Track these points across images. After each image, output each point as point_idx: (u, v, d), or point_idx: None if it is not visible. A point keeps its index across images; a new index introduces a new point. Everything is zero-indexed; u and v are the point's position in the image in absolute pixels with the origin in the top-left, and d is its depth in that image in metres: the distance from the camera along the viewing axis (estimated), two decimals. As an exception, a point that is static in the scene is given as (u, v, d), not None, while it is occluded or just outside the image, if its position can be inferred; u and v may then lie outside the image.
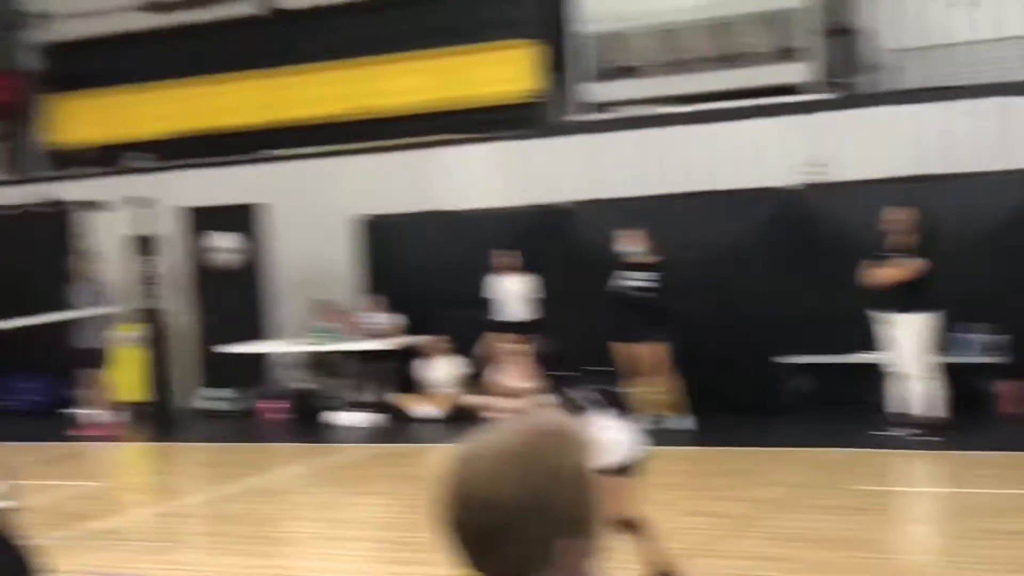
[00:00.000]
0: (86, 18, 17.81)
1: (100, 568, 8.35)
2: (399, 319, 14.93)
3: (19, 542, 4.75)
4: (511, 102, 15.49)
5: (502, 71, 15.61)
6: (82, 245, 16.29)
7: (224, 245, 16.22)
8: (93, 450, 14.12)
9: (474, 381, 14.14)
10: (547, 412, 2.49)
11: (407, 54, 16.05)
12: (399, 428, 13.93)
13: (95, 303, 14.73)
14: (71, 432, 14.62)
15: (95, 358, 14.77)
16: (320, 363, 15.30)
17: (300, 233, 15.89)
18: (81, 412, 14.92)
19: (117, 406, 14.82)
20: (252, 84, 16.94)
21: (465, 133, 15.32)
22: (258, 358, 15.51)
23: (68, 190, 16.20)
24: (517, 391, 13.71)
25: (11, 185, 17.43)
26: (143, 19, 17.48)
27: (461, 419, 13.25)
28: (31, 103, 18.32)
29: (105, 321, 14.85)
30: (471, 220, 14.83)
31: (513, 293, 13.98)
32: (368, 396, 14.82)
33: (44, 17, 18.13)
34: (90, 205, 14.91)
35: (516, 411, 13.19)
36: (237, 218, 16.12)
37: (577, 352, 9.31)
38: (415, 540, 8.74)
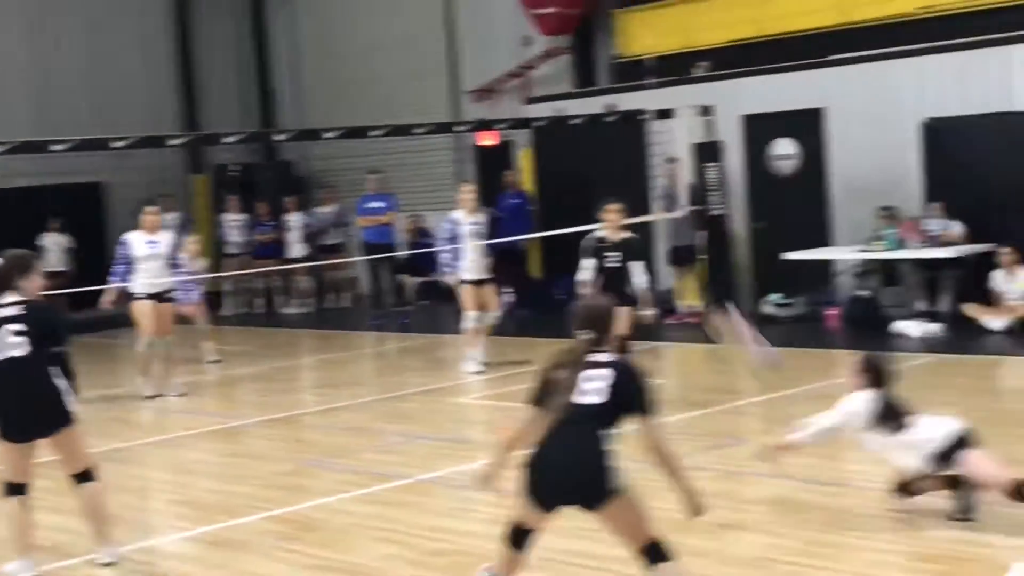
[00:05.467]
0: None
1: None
2: (963, 227, 14.31)
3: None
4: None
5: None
6: (654, 153, 16.94)
7: (786, 151, 16.21)
8: (660, 350, 14.73)
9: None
10: None
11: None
12: (965, 339, 13.39)
13: (671, 207, 15.54)
14: (670, 321, 15.97)
15: (685, 256, 16.02)
16: (883, 270, 14.97)
17: (861, 138, 15.56)
18: (678, 304, 16.43)
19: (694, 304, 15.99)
20: (814, -12, 16.70)
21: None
22: (821, 265, 15.41)
23: (634, 100, 16.77)
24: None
25: (580, 97, 18.32)
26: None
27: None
28: (599, 16, 19.11)
29: (686, 223, 15.58)
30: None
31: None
32: (932, 305, 14.37)
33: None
34: (659, 114, 15.41)
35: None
36: (798, 124, 16.02)
37: None
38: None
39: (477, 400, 12.18)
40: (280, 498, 8.45)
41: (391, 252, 18.26)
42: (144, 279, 12.51)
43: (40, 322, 6.77)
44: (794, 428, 7.48)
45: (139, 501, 8.67)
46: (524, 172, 18.96)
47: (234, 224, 20.85)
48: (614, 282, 10.92)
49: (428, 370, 14.10)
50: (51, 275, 20.14)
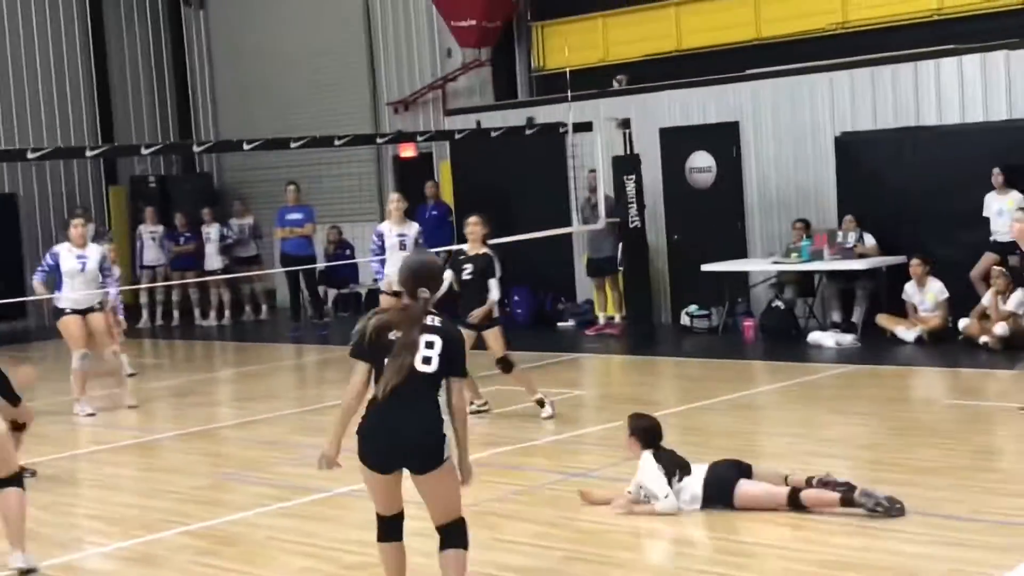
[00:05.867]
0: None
1: (573, 470, 8.80)
2: (875, 239, 14.61)
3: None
4: (989, 11, 14.68)
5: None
6: (573, 166, 17.04)
7: (703, 164, 16.40)
8: (579, 361, 14.83)
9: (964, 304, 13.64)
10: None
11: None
12: (877, 349, 13.64)
13: (591, 219, 15.66)
14: (588, 332, 16.27)
15: (605, 267, 16.21)
16: (799, 282, 15.21)
17: (777, 151, 15.81)
18: (597, 315, 16.60)
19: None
20: (729, 3, 16.94)
21: (942, 45, 14.65)
22: (738, 276, 15.61)
23: (553, 112, 16.87)
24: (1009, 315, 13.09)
25: (500, 109, 18.38)
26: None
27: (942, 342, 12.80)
28: (519, 29, 19.20)
29: (606, 235, 15.74)
30: (952, 136, 14.22)
31: (1007, 212, 13.27)
32: (846, 316, 14.63)
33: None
34: (578, 127, 15.53)
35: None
36: (715, 137, 16.23)
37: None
38: (898, 462, 8.60)
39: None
40: (198, 512, 8.37)
41: (310, 264, 18.20)
42: (72, 294, 12.29)
43: None
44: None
45: (54, 517, 8.53)
46: (444, 184, 18.99)
47: (151, 236, 20.63)
48: (469, 295, 10.89)
49: (347, 382, 14.01)
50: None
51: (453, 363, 5.64)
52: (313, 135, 15.67)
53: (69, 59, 22.32)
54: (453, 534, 5.72)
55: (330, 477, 9.35)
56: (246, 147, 14.12)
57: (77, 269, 12.28)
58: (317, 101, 21.16)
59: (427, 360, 5.58)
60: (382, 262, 13.18)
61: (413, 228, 13.36)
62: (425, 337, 5.59)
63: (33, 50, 21.86)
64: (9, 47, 21.56)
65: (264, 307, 20.59)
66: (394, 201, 13.40)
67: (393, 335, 5.58)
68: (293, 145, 14.36)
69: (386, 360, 5.56)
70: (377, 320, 5.66)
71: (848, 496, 7.28)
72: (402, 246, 13.08)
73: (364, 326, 5.68)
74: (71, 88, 22.29)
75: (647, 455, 7.69)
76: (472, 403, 10.94)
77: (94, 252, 12.42)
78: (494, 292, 10.95)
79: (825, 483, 7.48)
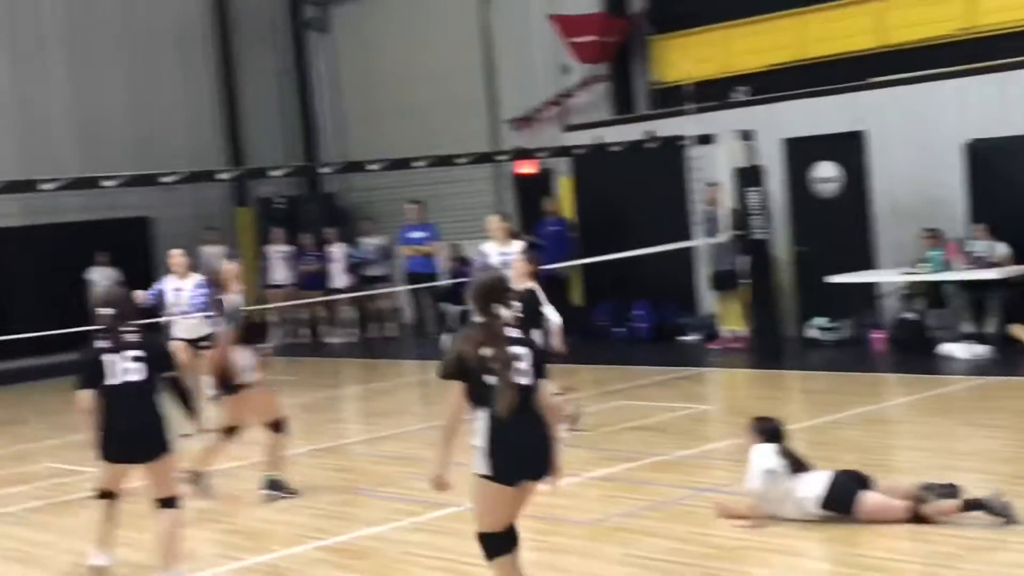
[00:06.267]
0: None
1: (702, 485, 8.77)
2: (1008, 247, 14.27)
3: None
4: None
5: None
6: (694, 179, 17.01)
7: (827, 174, 16.22)
8: (704, 375, 14.76)
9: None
10: None
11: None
12: (1012, 360, 13.32)
13: (713, 232, 15.57)
14: (712, 346, 16.18)
15: (728, 280, 15.97)
16: (929, 292, 14.93)
17: (903, 160, 15.54)
18: (720, 328, 16.47)
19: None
20: (852, 11, 16.73)
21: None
22: (865, 287, 15.38)
23: (673, 126, 16.83)
24: None
25: (619, 124, 18.39)
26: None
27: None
28: (636, 43, 19.21)
29: (729, 247, 15.68)
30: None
31: None
32: (979, 327, 14.32)
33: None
34: (698, 139, 15.48)
35: None
36: (839, 147, 16.03)
37: None
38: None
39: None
40: (332, 527, 8.52)
41: (433, 281, 18.38)
42: (182, 321, 12.57)
43: (155, 351, 7.36)
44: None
45: (191, 531, 8.75)
46: (564, 200, 19.05)
47: (279, 256, 21.04)
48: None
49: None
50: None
51: (541, 369, 5.85)
52: (434, 154, 15.86)
53: (200, 85, 22.90)
54: None
55: (461, 492, 9.52)
56: (371, 167, 14.32)
57: (173, 300, 12.69)
58: (437, 120, 21.38)
59: (523, 372, 5.72)
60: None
61: (517, 247, 13.10)
62: (514, 350, 5.73)
63: (165, 77, 22.47)
64: (144, 75, 22.19)
65: (390, 324, 20.82)
66: (493, 223, 13.32)
67: (484, 353, 5.69)
68: (415, 165, 14.54)
69: (484, 378, 5.68)
70: (465, 341, 5.78)
71: (973, 501, 7.20)
72: (504, 265, 13.05)
73: (454, 347, 5.81)
74: (202, 113, 22.87)
75: (762, 446, 7.71)
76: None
77: (191, 283, 12.61)
78: (554, 315, 10.75)
79: (930, 488, 7.44)
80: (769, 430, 7.89)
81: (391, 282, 20.32)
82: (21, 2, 20.99)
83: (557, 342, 10.67)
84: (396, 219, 20.20)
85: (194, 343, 12.57)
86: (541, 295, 10.83)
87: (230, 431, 9.64)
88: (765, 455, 7.70)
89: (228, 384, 9.48)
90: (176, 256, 12.74)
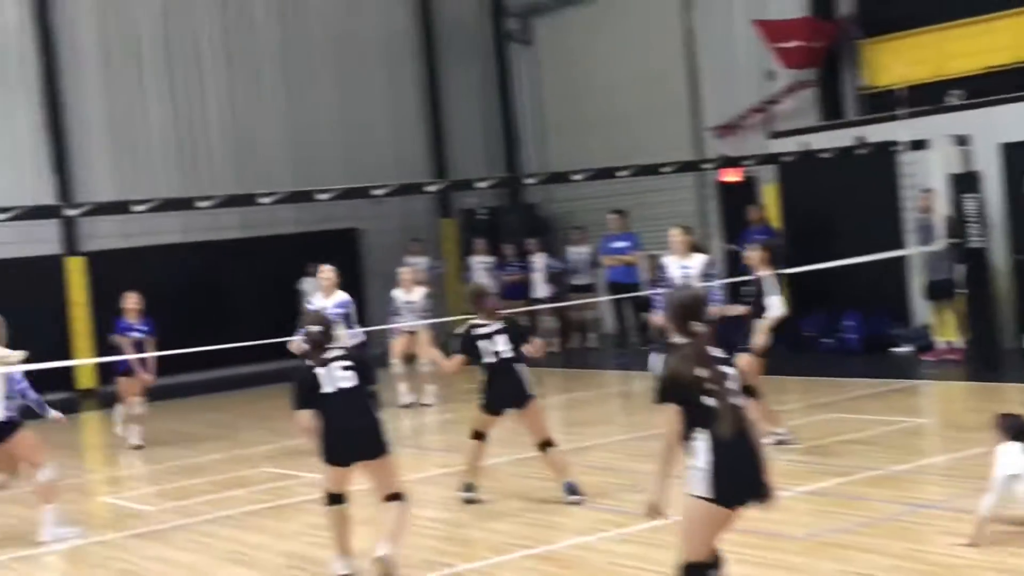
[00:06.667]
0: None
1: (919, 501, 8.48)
2: None
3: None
4: None
5: None
6: (906, 185, 16.52)
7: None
8: (918, 388, 14.30)
9: None
10: None
11: None
12: None
13: (927, 240, 15.12)
14: (927, 357, 15.67)
15: (944, 290, 15.49)
16: None
17: None
18: (935, 340, 15.94)
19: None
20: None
21: None
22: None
23: (884, 131, 16.38)
24: None
25: (827, 130, 18.00)
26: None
27: None
28: (845, 47, 18.78)
29: (944, 256, 15.22)
30: None
31: None
32: None
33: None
34: (911, 145, 15.01)
35: None
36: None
37: None
38: None
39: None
40: (539, 536, 8.55)
41: (635, 291, 18.30)
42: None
43: (361, 361, 7.84)
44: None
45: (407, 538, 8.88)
46: (770, 207, 18.74)
47: (482, 266, 21.28)
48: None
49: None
50: (310, 318, 20.89)
51: (745, 388, 5.81)
52: (637, 163, 15.80)
53: (405, 99, 23.39)
54: None
55: (667, 504, 9.43)
56: (574, 178, 14.35)
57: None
58: (640, 129, 21.32)
59: (734, 391, 5.63)
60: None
61: (698, 260, 12.76)
62: (722, 369, 5.64)
63: (372, 92, 23.01)
64: (352, 91, 22.78)
65: (592, 335, 20.82)
66: (674, 235, 12.98)
67: (699, 373, 5.57)
68: (619, 174, 14.51)
69: (702, 400, 5.56)
70: (677, 362, 5.66)
71: None
72: (685, 279, 12.91)
73: (668, 369, 5.70)
74: (407, 127, 23.35)
75: (1008, 444, 7.36)
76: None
77: (336, 299, 12.99)
78: (776, 308, 10.88)
79: None
80: (1017, 427, 7.50)
81: (594, 292, 20.34)
82: (239, 23, 21.77)
83: (761, 337, 10.71)
84: (597, 229, 20.21)
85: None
86: (771, 284, 10.80)
87: (479, 436, 9.86)
88: (1011, 454, 7.34)
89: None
90: (324, 271, 12.96)
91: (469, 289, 10.19)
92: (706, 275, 12.82)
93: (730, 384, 5.61)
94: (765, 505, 5.68)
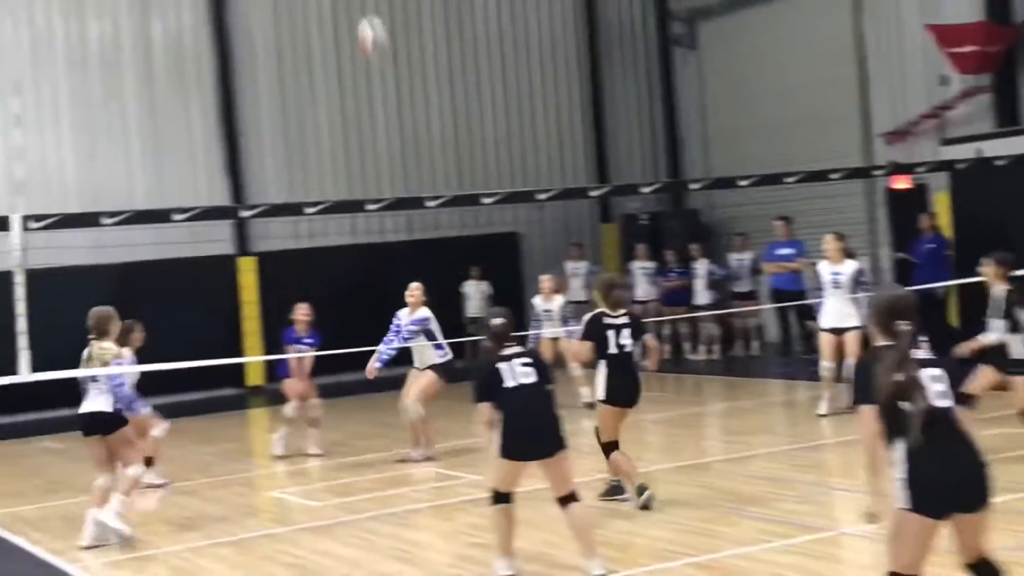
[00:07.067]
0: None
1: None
2: None
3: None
4: None
5: None
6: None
7: None
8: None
9: None
10: None
11: None
12: None
13: None
14: None
15: None
16: None
17: None
18: None
19: None
20: None
21: None
22: None
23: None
24: None
25: (1003, 137, 17.46)
26: None
27: None
28: (1022, 52, 18.20)
29: None
30: None
31: None
32: None
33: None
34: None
35: None
36: None
37: None
38: None
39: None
40: (702, 544, 8.48)
41: (800, 299, 18.01)
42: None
43: (539, 359, 7.94)
44: None
45: (563, 540, 8.91)
46: (941, 216, 18.25)
47: (642, 271, 21.21)
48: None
49: (843, 420, 13.76)
50: (471, 321, 21.26)
51: (960, 390, 5.52)
52: (804, 169, 15.56)
53: (568, 104, 23.46)
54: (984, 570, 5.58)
55: (831, 516, 9.29)
56: (741, 184, 14.22)
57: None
58: (805, 134, 20.99)
59: (943, 394, 5.41)
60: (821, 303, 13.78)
61: (850, 266, 13.59)
62: (927, 372, 5.41)
63: (536, 97, 23.15)
64: (516, 97, 22.95)
65: (754, 342, 20.57)
66: (828, 242, 13.79)
67: (896, 378, 5.39)
68: (788, 180, 14.33)
69: (899, 405, 5.38)
70: (878, 366, 5.47)
71: None
72: (836, 284, 13.58)
73: (861, 371, 5.54)
74: (570, 131, 23.42)
75: None
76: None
77: (419, 314, 12.95)
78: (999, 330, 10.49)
79: None
80: None
81: (755, 299, 20.09)
82: (405, 27, 22.03)
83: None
84: (760, 235, 19.96)
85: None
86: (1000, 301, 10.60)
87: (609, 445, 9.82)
88: None
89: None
90: (413, 289, 13.10)
91: (600, 279, 10.19)
92: (857, 281, 13.26)
93: (936, 388, 5.41)
94: (977, 516, 5.44)
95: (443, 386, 12.74)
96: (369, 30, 11.72)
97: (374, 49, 11.72)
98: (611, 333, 9.60)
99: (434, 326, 12.75)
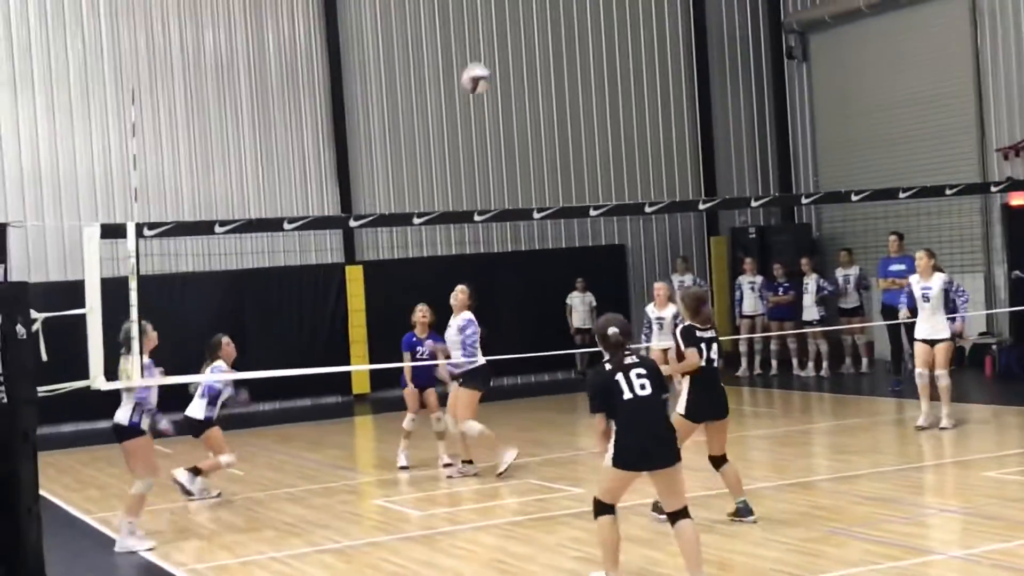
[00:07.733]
0: None
1: None
2: None
3: None
4: None
5: None
6: None
7: None
8: None
9: None
10: None
11: None
12: None
13: None
14: None
15: None
16: None
17: None
18: None
19: None
20: None
21: None
22: None
23: None
24: None
25: None
26: None
27: None
28: None
29: None
30: None
31: None
32: None
33: None
34: None
35: None
36: None
37: None
38: None
39: (1013, 475, 11.40)
40: (808, 564, 8.34)
41: (911, 316, 17.65)
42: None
43: (655, 369, 7.79)
44: None
45: (669, 558, 8.83)
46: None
47: (750, 285, 20.99)
48: None
49: (951, 441, 13.46)
50: (579, 332, 21.21)
51: None
52: (919, 184, 15.27)
53: (676, 116, 23.32)
54: None
55: (939, 539, 9.08)
56: (854, 198, 13.98)
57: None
58: (918, 149, 20.62)
59: None
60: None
61: (938, 280, 13.92)
62: None
63: (644, 109, 23.04)
64: (624, 108, 22.87)
65: (864, 360, 20.21)
66: (920, 258, 14.12)
67: None
68: (902, 195, 14.09)
69: None
70: None
71: None
72: (925, 298, 13.98)
73: None
74: (677, 144, 23.27)
75: None
76: None
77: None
78: None
79: None
80: None
81: (862, 315, 19.75)
82: (513, 37, 22.11)
83: None
84: (871, 251, 19.63)
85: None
86: None
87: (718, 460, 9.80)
88: None
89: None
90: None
91: (690, 293, 10.11)
92: (947, 292, 13.68)
93: None
94: None
95: (479, 395, 12.72)
96: (477, 71, 11.74)
97: (479, 89, 11.74)
98: (703, 347, 9.61)
99: (471, 330, 12.60)
